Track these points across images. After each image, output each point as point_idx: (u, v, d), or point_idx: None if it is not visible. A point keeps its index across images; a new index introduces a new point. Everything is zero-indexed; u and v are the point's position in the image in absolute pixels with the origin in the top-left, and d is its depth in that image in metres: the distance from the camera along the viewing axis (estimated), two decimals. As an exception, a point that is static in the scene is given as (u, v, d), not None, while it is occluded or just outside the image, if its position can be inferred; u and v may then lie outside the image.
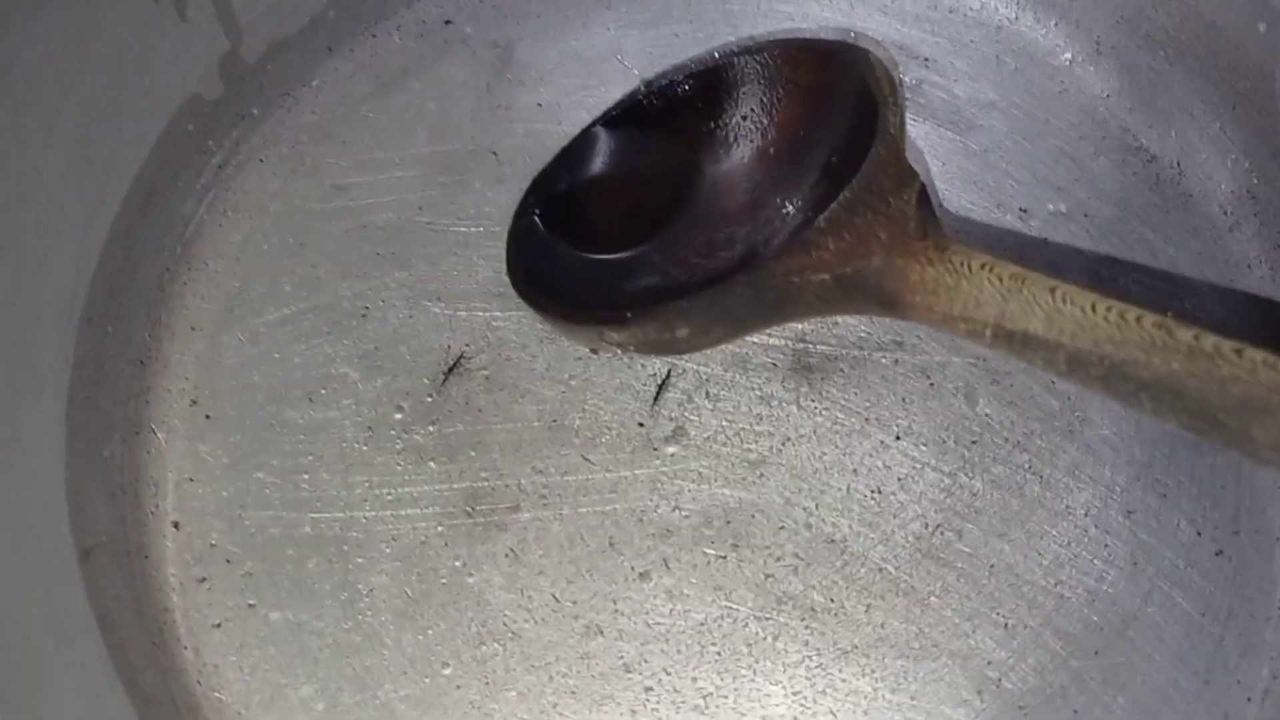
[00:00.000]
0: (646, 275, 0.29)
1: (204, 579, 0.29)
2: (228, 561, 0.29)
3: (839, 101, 0.29)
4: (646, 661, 0.28)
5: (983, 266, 0.23)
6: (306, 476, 0.29)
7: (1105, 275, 0.31)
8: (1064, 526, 0.29)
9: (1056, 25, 0.33)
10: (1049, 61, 0.33)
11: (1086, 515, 0.29)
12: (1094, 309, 0.21)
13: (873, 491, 0.29)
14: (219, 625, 0.28)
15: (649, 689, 0.28)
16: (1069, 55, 0.33)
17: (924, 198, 0.25)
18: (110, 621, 0.27)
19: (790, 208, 0.28)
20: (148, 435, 0.30)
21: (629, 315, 0.26)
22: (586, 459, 0.29)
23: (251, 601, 0.28)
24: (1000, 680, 0.28)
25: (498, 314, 0.31)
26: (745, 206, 0.29)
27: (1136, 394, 0.20)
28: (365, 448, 0.30)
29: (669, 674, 0.28)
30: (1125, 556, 0.29)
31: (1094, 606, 0.28)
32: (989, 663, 0.28)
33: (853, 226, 0.25)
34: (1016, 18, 0.33)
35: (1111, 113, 0.33)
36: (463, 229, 0.31)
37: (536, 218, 0.30)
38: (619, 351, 0.29)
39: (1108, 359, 0.20)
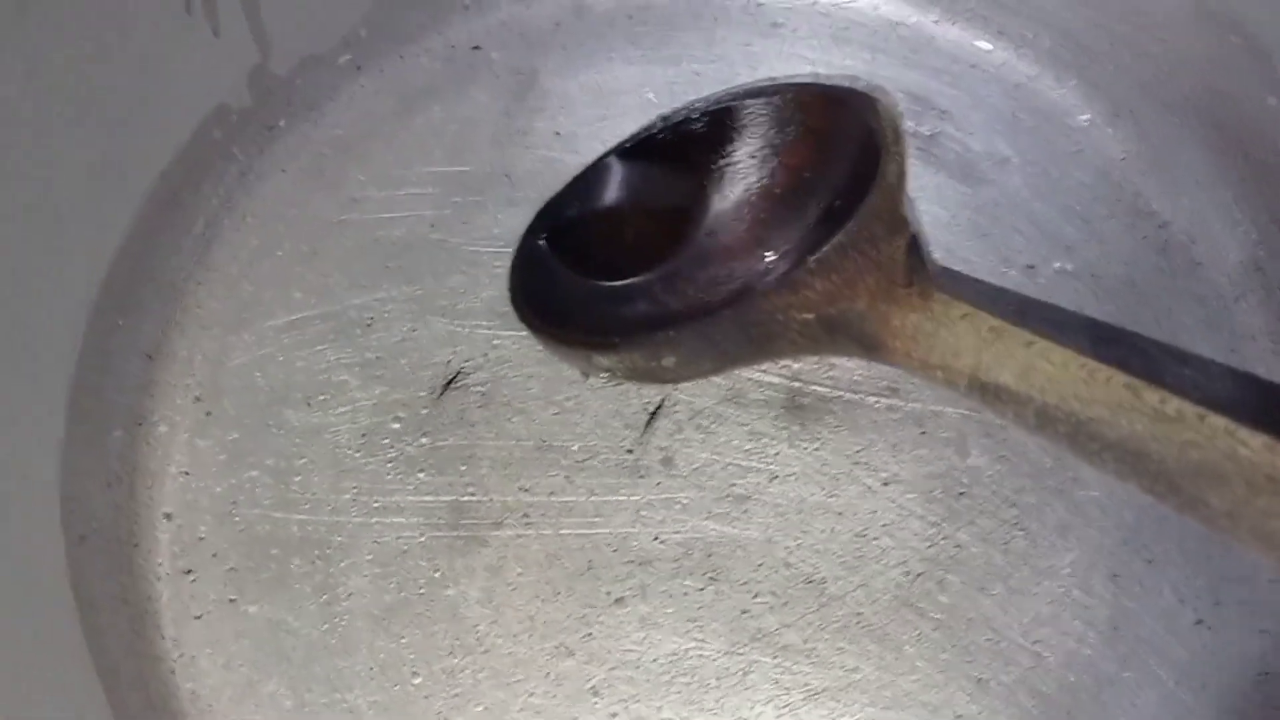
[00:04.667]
0: (642, 304, 0.29)
1: (189, 571, 0.29)
2: (214, 556, 0.29)
3: (844, 146, 0.29)
4: (614, 687, 0.28)
5: (963, 316, 0.23)
6: (298, 478, 0.30)
7: (1107, 337, 0.31)
8: (1047, 585, 0.29)
9: (1075, 86, 0.33)
10: (1065, 121, 0.33)
11: (1071, 575, 0.29)
12: (1066, 366, 0.21)
13: (856, 535, 0.29)
14: (200, 617, 0.29)
15: (614, 715, 0.28)
16: (1087, 116, 0.33)
17: (914, 246, 0.25)
18: (93, 607, 0.27)
19: (787, 247, 0.28)
20: (149, 427, 0.30)
21: (617, 341, 0.27)
22: (572, 481, 0.30)
23: (233, 596, 0.29)
24: (970, 735, 0.28)
25: (499, 333, 0.31)
26: (745, 243, 0.30)
27: (1101, 453, 0.20)
28: (358, 454, 0.30)
29: (636, 702, 0.28)
30: (1106, 620, 0.28)
31: (1070, 668, 0.28)
32: (959, 716, 0.28)
33: (842, 269, 0.25)
34: (1037, 75, 0.34)
35: (1125, 176, 0.33)
36: (472, 248, 0.32)
37: (543, 241, 0.31)
38: (608, 377, 0.30)
39: (1075, 416, 0.20)
